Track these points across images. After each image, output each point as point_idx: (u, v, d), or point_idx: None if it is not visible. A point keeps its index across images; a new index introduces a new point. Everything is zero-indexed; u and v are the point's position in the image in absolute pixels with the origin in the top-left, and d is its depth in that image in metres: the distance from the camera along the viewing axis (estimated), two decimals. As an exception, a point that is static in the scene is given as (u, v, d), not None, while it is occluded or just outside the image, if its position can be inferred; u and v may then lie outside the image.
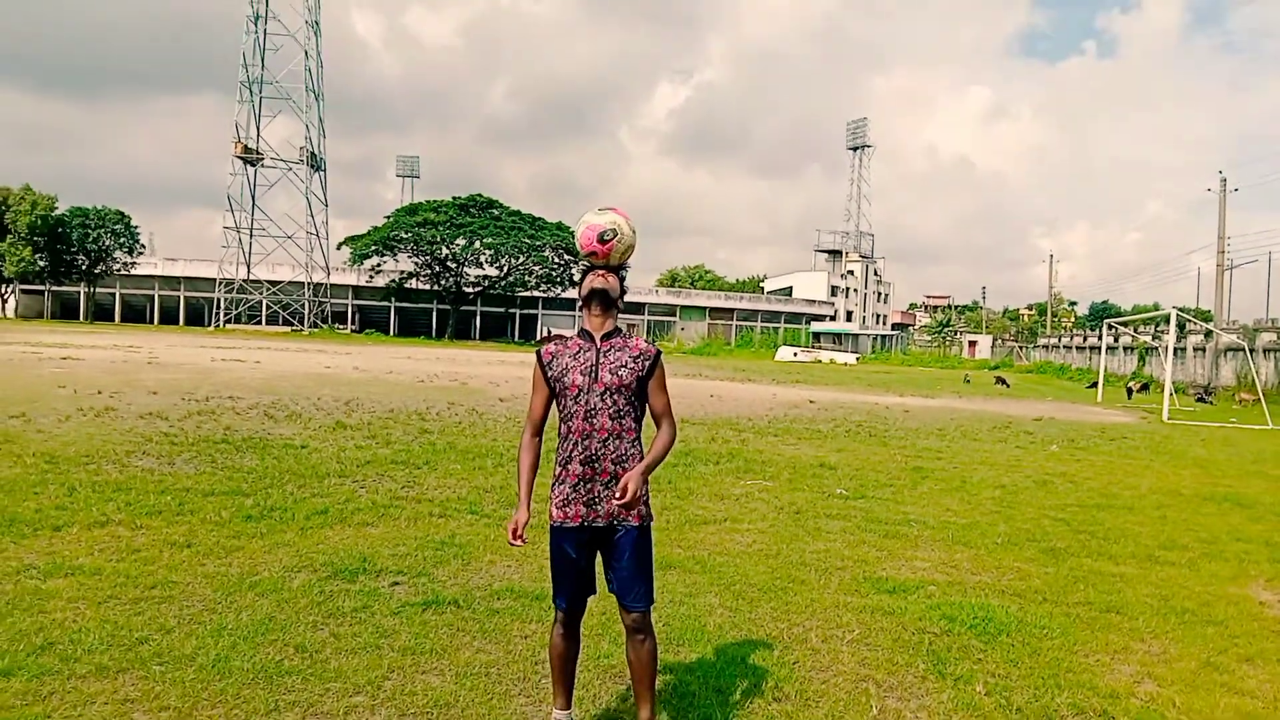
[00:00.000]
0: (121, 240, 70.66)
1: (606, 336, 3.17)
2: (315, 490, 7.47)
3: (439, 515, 6.77)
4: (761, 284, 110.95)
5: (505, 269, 69.53)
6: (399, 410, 13.98)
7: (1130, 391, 30.02)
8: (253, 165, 71.46)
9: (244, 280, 71.47)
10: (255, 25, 70.25)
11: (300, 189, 72.57)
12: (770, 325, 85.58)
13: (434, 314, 75.12)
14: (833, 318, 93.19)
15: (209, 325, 70.30)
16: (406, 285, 71.65)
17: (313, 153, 72.35)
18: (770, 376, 33.49)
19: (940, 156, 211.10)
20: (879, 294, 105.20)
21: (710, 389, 23.70)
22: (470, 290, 71.68)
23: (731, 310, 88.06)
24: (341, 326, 74.06)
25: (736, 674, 3.96)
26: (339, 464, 8.79)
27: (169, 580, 4.87)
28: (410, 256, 68.87)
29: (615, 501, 3.04)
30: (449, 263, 68.53)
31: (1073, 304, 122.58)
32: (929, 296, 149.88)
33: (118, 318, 74.35)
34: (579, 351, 3.16)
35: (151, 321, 74.50)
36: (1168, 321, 25.72)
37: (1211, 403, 27.68)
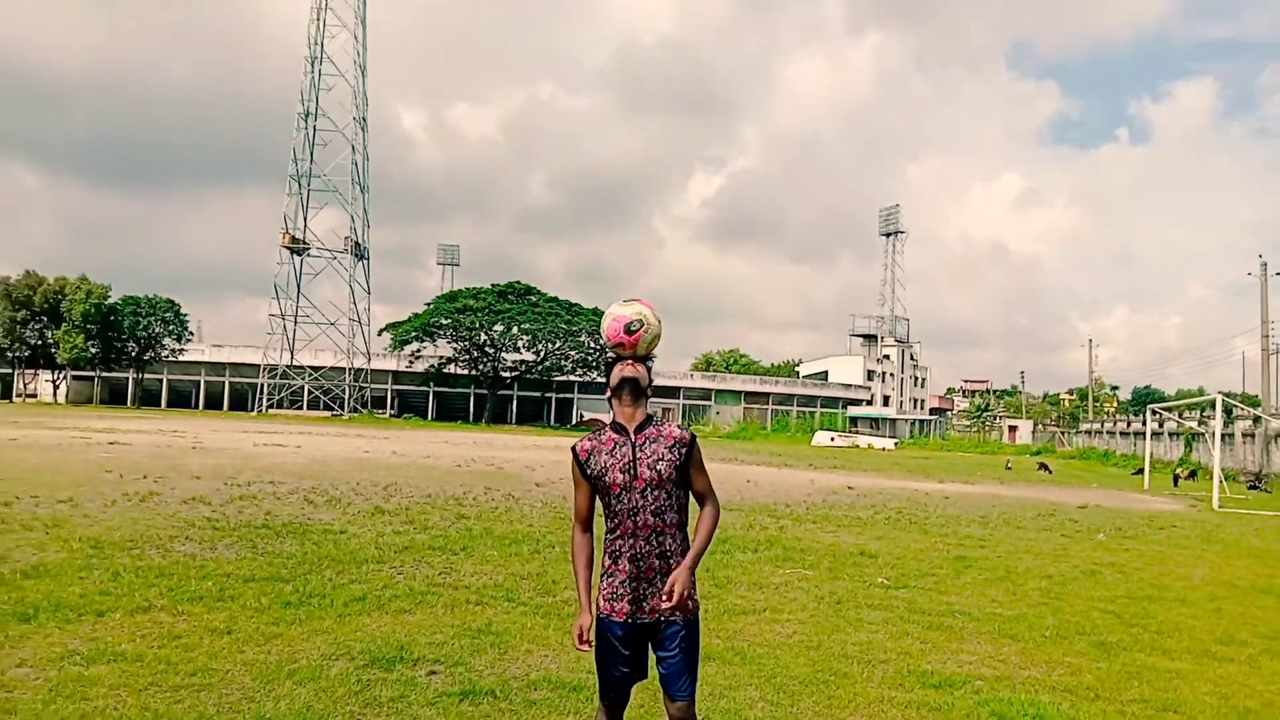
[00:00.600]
0: (171, 327, 72.75)
1: (640, 428, 3.13)
2: (353, 576, 7.48)
3: (476, 603, 6.74)
4: (796, 368, 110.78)
5: (542, 354, 70.26)
6: (436, 495, 14.04)
7: (1177, 479, 29.27)
8: (299, 255, 73.57)
9: (287, 366, 72.84)
10: (305, 122, 73.23)
11: (344, 277, 74.44)
12: (806, 410, 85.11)
13: (471, 398, 75.78)
14: (869, 402, 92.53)
15: (252, 410, 71.43)
16: (445, 370, 72.61)
17: (357, 242, 74.40)
18: (807, 461, 33.16)
19: (974, 242, 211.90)
20: (916, 378, 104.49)
21: (747, 474, 23.51)
22: (507, 375, 72.41)
23: (767, 394, 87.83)
24: (381, 411, 74.89)
25: (779, 771, 3.86)
26: (377, 549, 8.82)
27: (209, 667, 4.88)
28: (449, 342, 70.01)
29: (664, 605, 3.03)
30: (487, 348, 69.45)
31: (1114, 388, 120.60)
32: (966, 381, 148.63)
33: (164, 403, 75.88)
34: (615, 447, 3.11)
35: (197, 406, 75.91)
36: (1213, 407, 25.22)
37: (1266, 490, 26.88)
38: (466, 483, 16.63)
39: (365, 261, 76.12)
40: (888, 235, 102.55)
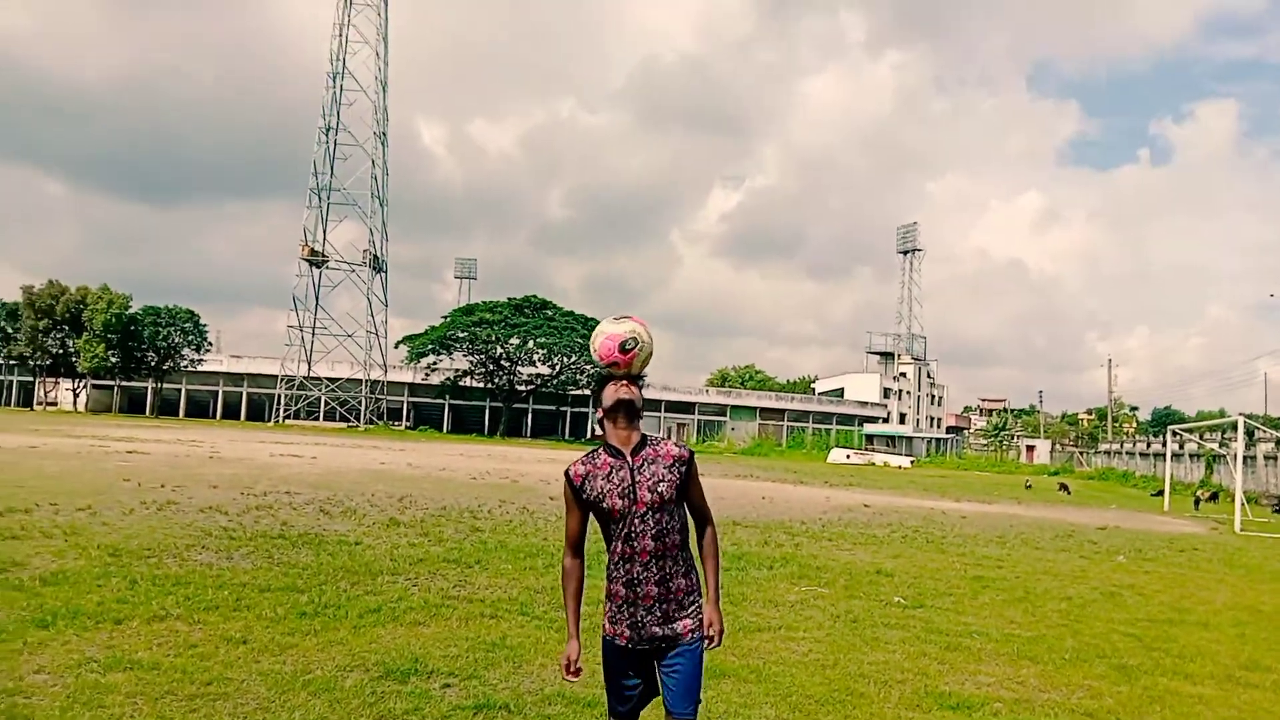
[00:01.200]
0: (190, 338, 73.35)
1: (636, 449, 3.03)
2: (368, 588, 7.49)
3: (490, 616, 6.73)
4: (812, 385, 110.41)
5: (558, 368, 70.36)
6: (451, 507, 14.05)
7: (1198, 501, 28.93)
8: (318, 267, 74.13)
9: (305, 377, 73.27)
10: (326, 136, 73.94)
11: (362, 290, 74.97)
12: (822, 427, 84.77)
13: (487, 411, 75.90)
14: (885, 420, 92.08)
15: (269, 420, 71.82)
16: (461, 383, 72.78)
17: (375, 255, 74.93)
18: (823, 479, 33.00)
19: (992, 260, 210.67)
20: (933, 396, 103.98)
21: (762, 490, 23.41)
22: (523, 388, 72.52)
23: (782, 411, 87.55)
24: (397, 423, 75.14)
25: (795, 791, 3.82)
26: (392, 561, 8.82)
27: (224, 677, 4.89)
28: (465, 355, 70.24)
29: (709, 647, 3.07)
30: (503, 361, 69.64)
31: (1134, 409, 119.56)
32: (984, 400, 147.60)
33: (182, 412, 76.41)
34: (611, 471, 3.00)
35: (214, 416, 76.38)
36: (1235, 429, 24.94)
37: (1288, 513, 26.49)
38: (481, 495, 16.63)
39: (383, 274, 76.63)
40: (905, 253, 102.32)
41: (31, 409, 74.34)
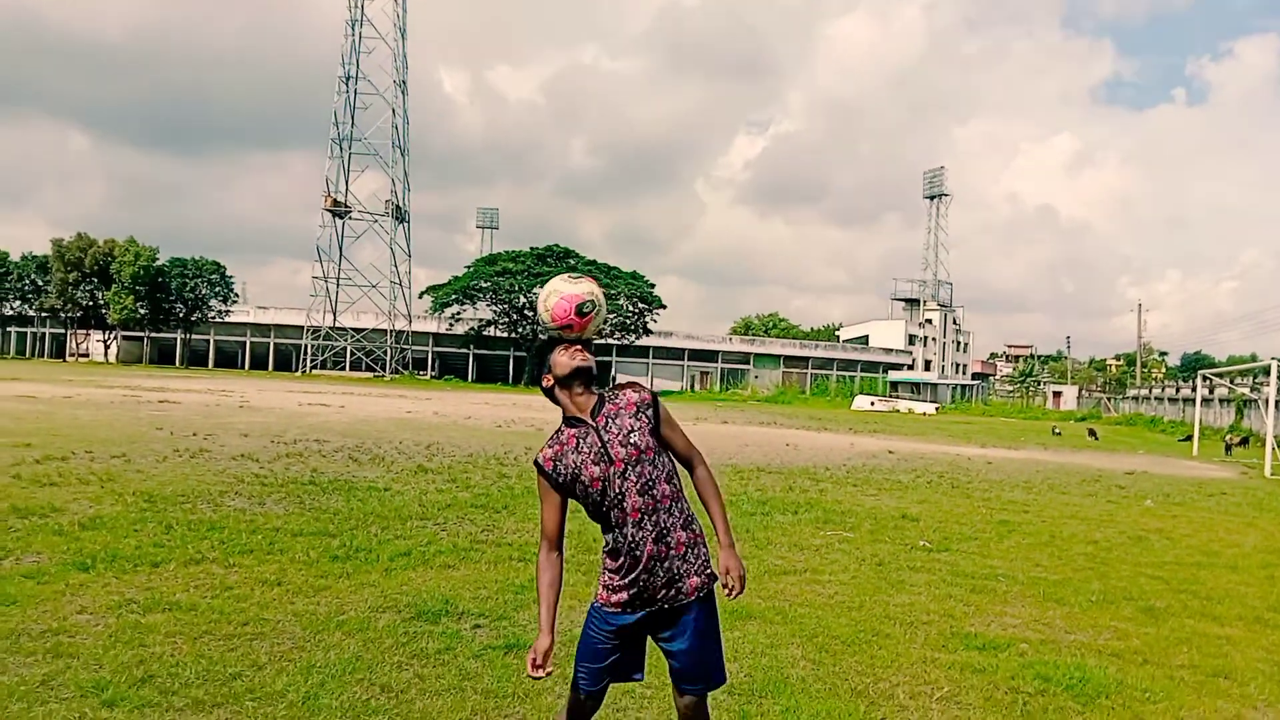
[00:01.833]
0: (217, 289, 74.09)
1: (595, 411, 2.82)
2: (398, 532, 7.60)
3: (518, 559, 6.81)
4: (837, 333, 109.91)
5: (581, 317, 70.39)
6: (478, 455, 14.18)
7: (1229, 446, 28.66)
8: (340, 218, 74.25)
9: (330, 328, 73.86)
10: (346, 85, 73.50)
11: (385, 240, 75.18)
12: (846, 374, 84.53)
13: (511, 361, 76.29)
14: (910, 367, 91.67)
15: (296, 370, 72.64)
16: (485, 333, 73.11)
17: (397, 205, 74.89)
18: (847, 426, 32.99)
19: (1022, 204, 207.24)
20: (958, 343, 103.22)
21: (786, 437, 23.45)
22: (546, 338, 72.72)
23: (806, 359, 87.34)
24: (422, 373, 75.76)
25: (822, 728, 3.87)
26: (420, 507, 8.94)
27: (260, 617, 5.00)
28: (489, 305, 70.45)
29: (731, 596, 2.85)
30: (526, 311, 69.77)
31: (1163, 354, 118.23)
32: (1010, 346, 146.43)
33: (211, 363, 77.43)
34: (579, 442, 2.79)
35: (243, 367, 77.37)
36: (1267, 373, 24.58)
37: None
38: (507, 442, 16.77)
39: (406, 225, 76.68)
40: (932, 198, 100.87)
41: (64, 360, 75.58)
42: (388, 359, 72.99)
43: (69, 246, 72.21)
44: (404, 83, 75.35)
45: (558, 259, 68.87)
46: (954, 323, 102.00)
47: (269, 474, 10.64)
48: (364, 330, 74.20)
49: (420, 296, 74.57)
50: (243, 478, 10.23)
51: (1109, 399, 77.11)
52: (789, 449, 19.54)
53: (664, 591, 2.77)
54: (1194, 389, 38.33)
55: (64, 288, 72.13)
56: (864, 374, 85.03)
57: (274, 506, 8.52)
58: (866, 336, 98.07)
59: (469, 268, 70.96)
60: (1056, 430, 38.53)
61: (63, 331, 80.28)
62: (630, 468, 2.74)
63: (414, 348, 76.84)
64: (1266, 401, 24.62)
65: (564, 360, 2.85)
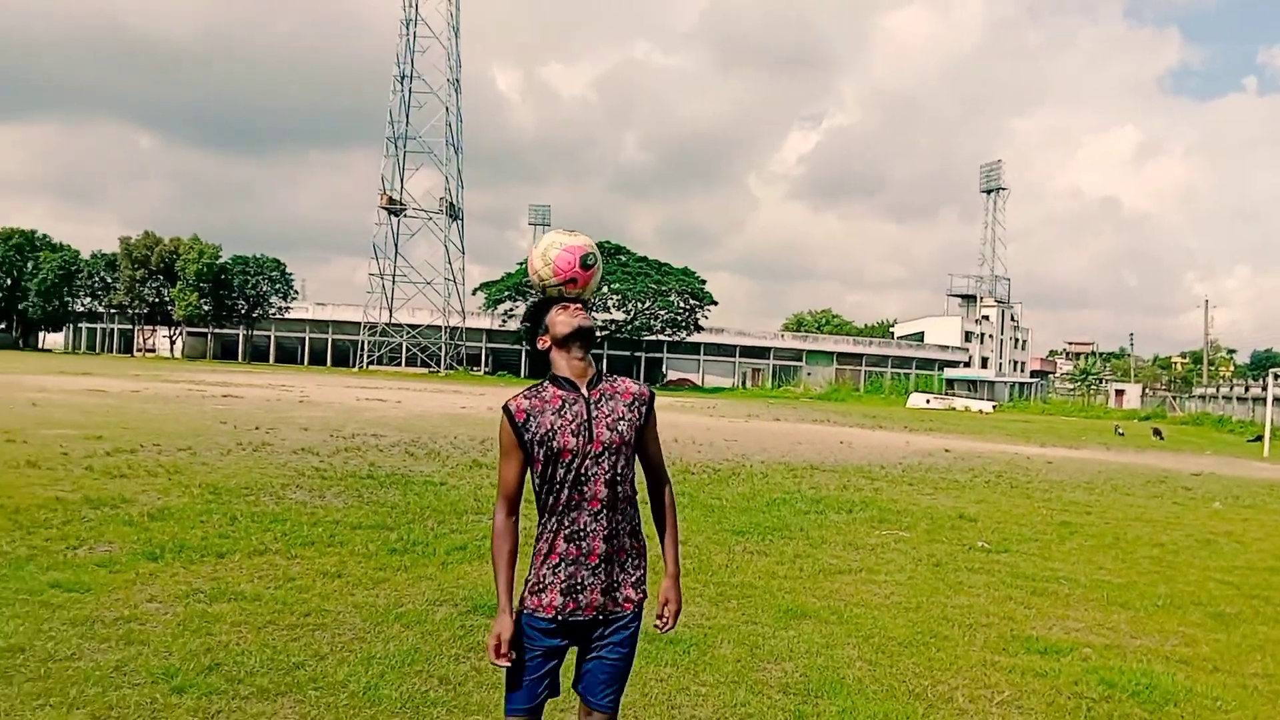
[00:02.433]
0: (277, 286, 75.83)
1: (592, 384, 2.57)
2: (454, 526, 7.69)
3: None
4: (891, 329, 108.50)
5: (632, 313, 70.56)
6: (531, 451, 14.27)
7: (1302, 446, 27.64)
8: (396, 215, 75.40)
9: (386, 324, 75.08)
10: (401, 84, 74.59)
11: (439, 237, 76.17)
12: (900, 371, 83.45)
13: (562, 357, 76.61)
14: (967, 364, 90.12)
15: (353, 366, 73.99)
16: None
17: (451, 203, 75.80)
18: (902, 424, 32.57)
19: (1084, 197, 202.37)
20: (1016, 340, 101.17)
21: (840, 435, 23.23)
22: (597, 334, 72.87)
23: (860, 355, 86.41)
24: (476, 368, 76.61)
25: (879, 730, 3.83)
26: (475, 501, 9.04)
27: (322, 608, 5.10)
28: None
29: (662, 629, 2.62)
30: (578, 307, 69.98)
31: (1231, 352, 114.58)
32: (1071, 343, 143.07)
33: (272, 358, 79.26)
34: (564, 406, 2.50)
35: (302, 362, 79.04)
36: (1345, 371, 23.64)
37: (1399, 460, 25.15)
38: (560, 439, 16.85)
39: (460, 222, 77.60)
40: (989, 192, 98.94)
41: (132, 355, 77.94)
42: (442, 355, 73.95)
43: (136, 245, 74.47)
44: (457, 81, 76.26)
45: (608, 255, 69.01)
46: (1012, 319, 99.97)
47: (328, 467, 10.85)
48: (419, 326, 75.28)
49: (474, 293, 75.52)
50: (303, 471, 10.44)
51: (1174, 398, 74.90)
52: (843, 447, 19.35)
53: (600, 599, 2.50)
54: (1264, 387, 37.03)
55: (131, 285, 74.39)
56: (919, 371, 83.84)
57: (334, 499, 8.68)
58: (922, 333, 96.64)
59: (521, 264, 71.48)
60: (1119, 430, 37.56)
61: (130, 327, 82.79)
62: (607, 454, 2.50)
63: (468, 344, 77.74)
64: (1343, 401, 23.68)
65: (564, 319, 2.57)
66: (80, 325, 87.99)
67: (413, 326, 75.26)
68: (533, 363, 77.33)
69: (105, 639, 4.38)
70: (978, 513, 10.25)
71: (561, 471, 2.48)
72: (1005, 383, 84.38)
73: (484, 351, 79.45)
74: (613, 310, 71.27)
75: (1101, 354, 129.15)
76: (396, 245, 76.29)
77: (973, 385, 79.33)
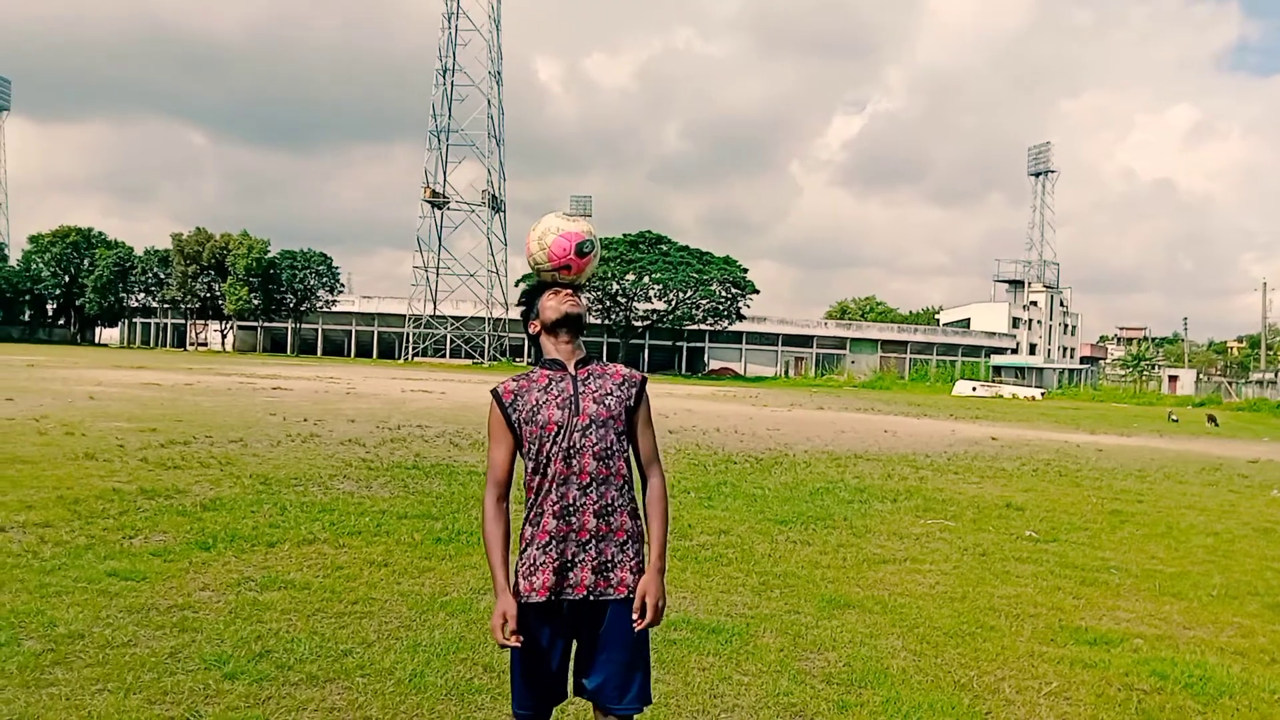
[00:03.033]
0: (324, 280, 76.97)
1: (581, 364, 2.60)
2: (498, 516, 7.75)
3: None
4: (936, 316, 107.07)
5: (674, 303, 70.41)
6: (573, 441, 14.34)
7: (1367, 433, 26.81)
8: (439, 208, 76.02)
9: (430, 316, 75.83)
10: (443, 78, 75.06)
11: (482, 230, 76.63)
12: (946, 359, 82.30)
13: (604, 347, 76.87)
14: (1014, 351, 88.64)
15: (399, 358, 74.89)
16: (579, 320, 73.80)
17: (494, 195, 76.23)
18: (948, 412, 32.15)
19: (1136, 179, 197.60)
20: (1065, 325, 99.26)
21: (884, 424, 23.00)
22: (639, 324, 73.03)
23: (904, 343, 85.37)
24: (519, 360, 77.07)
25: (923, 721, 3.80)
26: (518, 491, 9.08)
27: (369, 597, 5.18)
28: (583, 292, 70.96)
29: (639, 625, 2.46)
30: (619, 297, 70.17)
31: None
32: (1122, 328, 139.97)
33: (319, 351, 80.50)
34: (550, 384, 2.53)
35: (349, 354, 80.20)
36: None
37: None
38: (602, 429, 16.91)
39: (502, 214, 78.01)
40: (1037, 175, 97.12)
41: (184, 349, 79.73)
42: (486, 346, 74.52)
43: (188, 241, 76.10)
44: (499, 73, 76.53)
45: (650, 245, 69.00)
46: (1061, 304, 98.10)
47: (375, 458, 11.01)
48: (463, 318, 75.93)
49: (516, 285, 75.76)
50: (350, 462, 10.61)
51: (1230, 383, 72.91)
52: (887, 435, 19.17)
53: (591, 577, 2.46)
54: (1327, 372, 35.91)
55: (184, 280, 76.04)
56: (965, 358, 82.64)
57: (380, 490, 8.81)
58: (968, 320, 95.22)
59: (564, 256, 71.72)
60: (1173, 416, 36.70)
61: (183, 322, 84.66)
62: (595, 426, 2.48)
63: (511, 335, 78.23)
64: None
65: (554, 304, 2.61)
66: (135, 320, 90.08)
67: (457, 318, 75.94)
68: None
69: (160, 626, 4.49)
70: (1025, 501, 10.10)
71: (549, 445, 2.47)
72: (1054, 369, 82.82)
73: (527, 343, 79.61)
74: (655, 301, 71.20)
75: (1154, 339, 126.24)
76: (440, 238, 77.02)
77: (1020, 372, 77.98)
